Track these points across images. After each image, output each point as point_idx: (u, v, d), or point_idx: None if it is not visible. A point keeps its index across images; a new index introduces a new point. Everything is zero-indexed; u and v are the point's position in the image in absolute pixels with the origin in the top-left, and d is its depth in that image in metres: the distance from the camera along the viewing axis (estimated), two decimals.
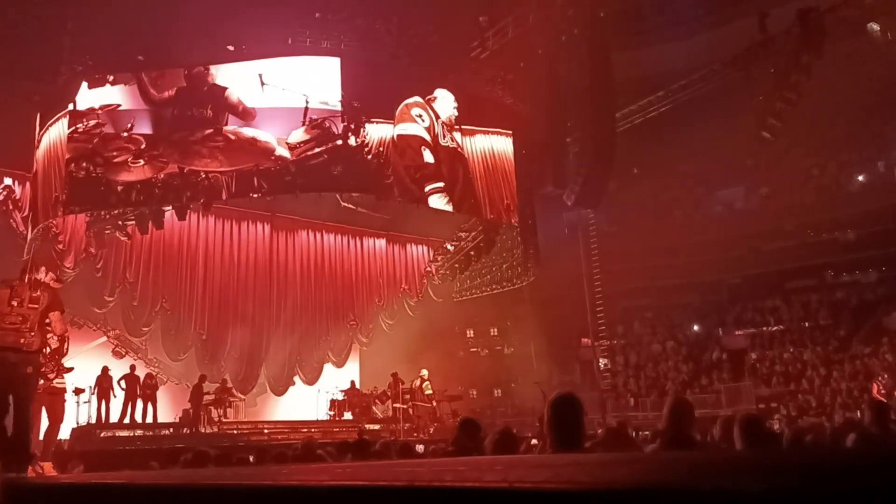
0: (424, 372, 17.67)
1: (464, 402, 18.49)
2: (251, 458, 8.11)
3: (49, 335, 7.23)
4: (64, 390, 7.78)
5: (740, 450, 4.20)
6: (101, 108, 15.15)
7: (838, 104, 21.96)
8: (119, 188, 14.85)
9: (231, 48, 15.81)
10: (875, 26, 19.92)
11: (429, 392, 17.21)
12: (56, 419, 7.79)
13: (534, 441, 9.16)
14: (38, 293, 6.05)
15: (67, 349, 7.61)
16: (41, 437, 7.92)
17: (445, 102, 16.57)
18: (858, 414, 14.86)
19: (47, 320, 6.21)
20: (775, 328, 23.80)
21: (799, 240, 24.42)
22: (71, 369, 7.92)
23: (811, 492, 0.52)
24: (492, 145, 17.66)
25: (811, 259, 24.10)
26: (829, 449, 4.38)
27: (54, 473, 7.24)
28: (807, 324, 23.09)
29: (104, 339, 9.61)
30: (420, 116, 15.91)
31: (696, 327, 25.60)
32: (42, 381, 6.99)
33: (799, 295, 24.23)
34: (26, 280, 6.05)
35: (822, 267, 24.63)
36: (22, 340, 5.86)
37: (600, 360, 24.17)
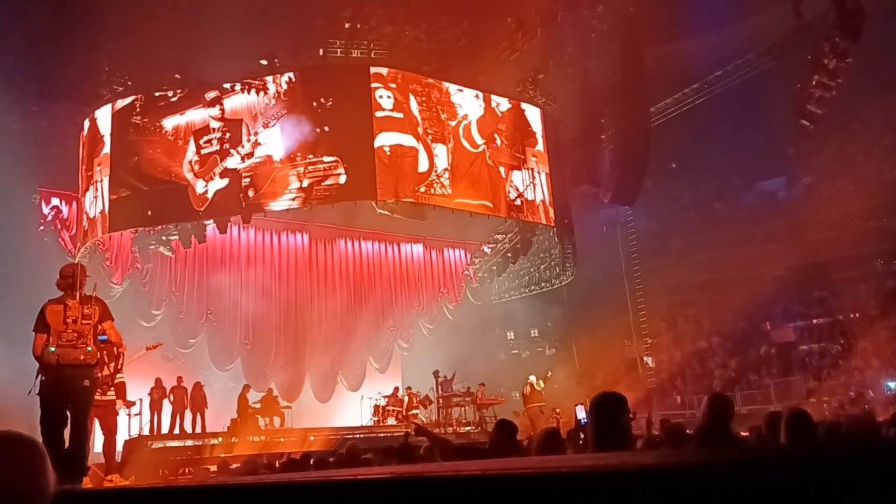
0: (532, 378, 17.78)
1: (505, 404, 18.47)
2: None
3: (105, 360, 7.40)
4: (112, 402, 7.92)
5: (763, 445, 4.15)
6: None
7: (879, 88, 21.34)
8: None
9: (264, 62, 16.09)
10: None
11: (539, 388, 17.51)
12: (110, 431, 7.94)
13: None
14: (90, 308, 6.19)
15: (122, 363, 7.77)
16: (97, 449, 8.07)
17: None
18: None
19: (103, 334, 6.34)
20: (824, 320, 23.20)
21: (844, 229, 23.73)
22: (121, 384, 8.03)
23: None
24: None
25: (858, 248, 23.38)
26: (858, 441, 4.30)
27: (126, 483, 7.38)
28: (856, 315, 22.45)
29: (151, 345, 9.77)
30: None
31: (741, 322, 25.07)
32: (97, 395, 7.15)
33: (847, 285, 23.54)
34: (77, 296, 6.18)
35: (870, 256, 23.91)
36: (82, 357, 6.01)
37: (644, 359, 23.88)
